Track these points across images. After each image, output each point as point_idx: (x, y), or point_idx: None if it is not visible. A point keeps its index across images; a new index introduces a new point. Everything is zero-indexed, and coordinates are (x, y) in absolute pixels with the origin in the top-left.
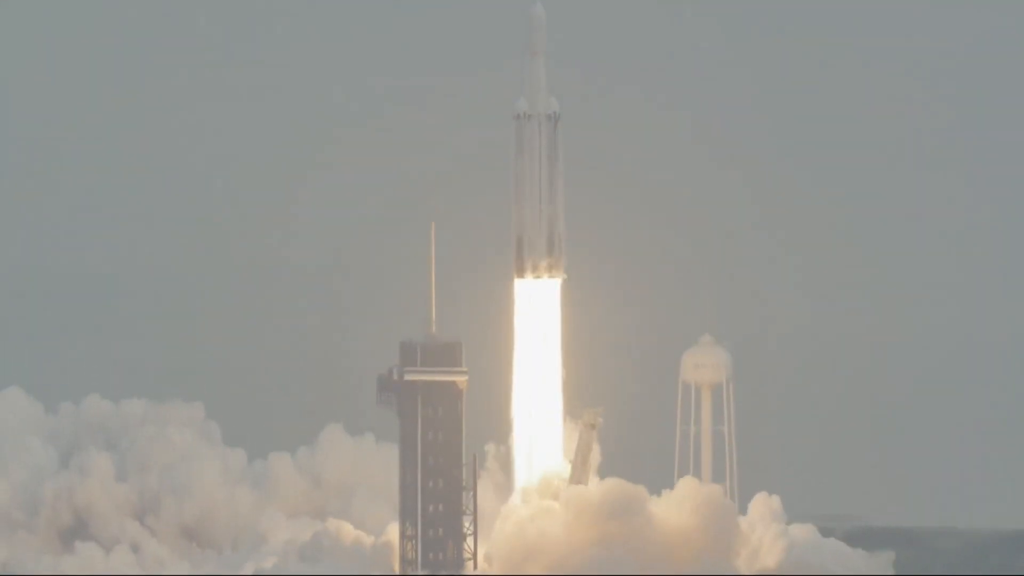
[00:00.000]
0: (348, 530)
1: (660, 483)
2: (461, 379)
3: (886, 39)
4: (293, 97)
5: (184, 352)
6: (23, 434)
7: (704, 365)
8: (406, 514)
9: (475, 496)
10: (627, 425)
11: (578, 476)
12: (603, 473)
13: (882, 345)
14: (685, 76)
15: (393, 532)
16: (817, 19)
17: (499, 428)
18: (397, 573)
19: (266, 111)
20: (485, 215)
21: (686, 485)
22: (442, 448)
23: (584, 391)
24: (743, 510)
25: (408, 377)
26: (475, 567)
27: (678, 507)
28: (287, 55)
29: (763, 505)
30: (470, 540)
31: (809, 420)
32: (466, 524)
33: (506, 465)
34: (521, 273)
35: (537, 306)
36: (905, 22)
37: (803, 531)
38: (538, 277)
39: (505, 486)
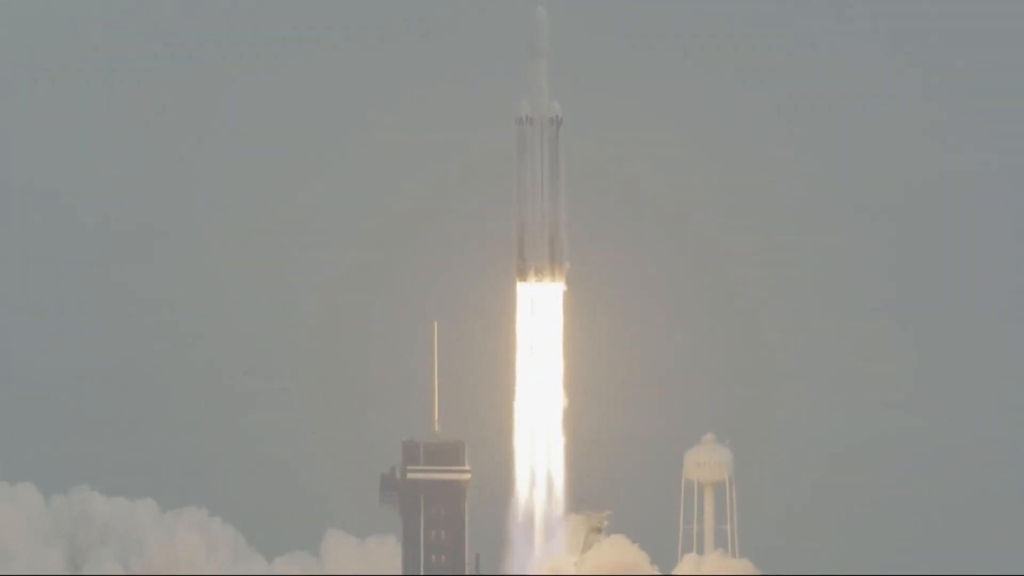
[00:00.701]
0: None
1: None
2: (464, 477)
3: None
4: (290, 104)
5: (188, 454)
6: (34, 532)
7: (706, 463)
8: None
9: None
10: (630, 523)
11: None
12: None
13: (888, 444)
14: (688, 79)
15: None
16: (828, 22)
17: (502, 524)
18: None
19: (264, 125)
20: (487, 219)
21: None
22: (445, 546)
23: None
24: None
25: (411, 476)
26: None
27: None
28: (285, 57)
29: None
30: None
31: (812, 519)
32: None
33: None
34: (523, 276)
35: (539, 311)
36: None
37: None
38: (540, 281)
39: None
